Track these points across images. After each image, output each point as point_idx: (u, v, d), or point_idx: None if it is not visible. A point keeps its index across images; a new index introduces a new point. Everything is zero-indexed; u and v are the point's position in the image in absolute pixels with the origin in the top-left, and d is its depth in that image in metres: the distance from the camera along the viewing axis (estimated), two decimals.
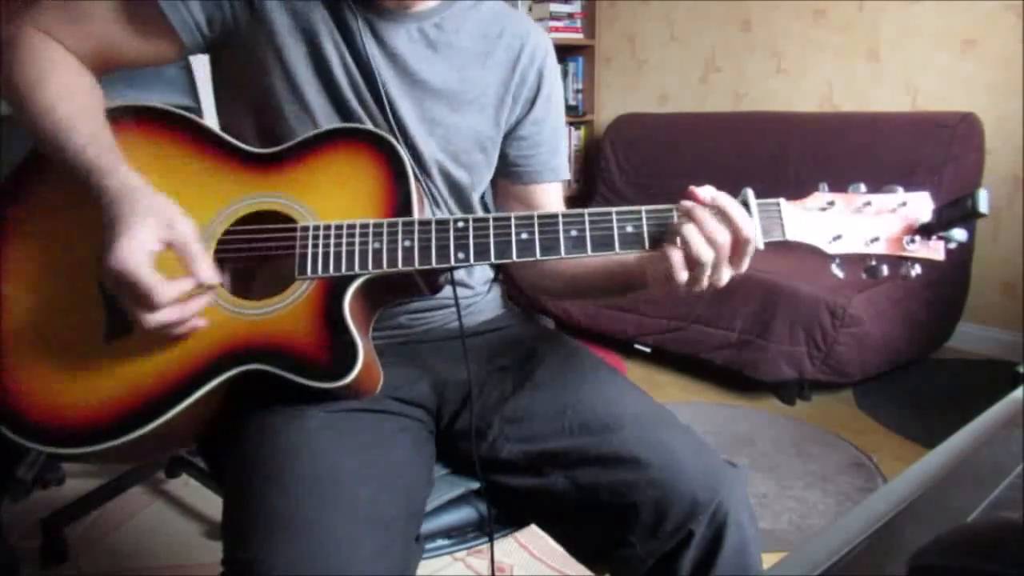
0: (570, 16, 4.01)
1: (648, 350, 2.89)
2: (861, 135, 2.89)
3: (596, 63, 4.14)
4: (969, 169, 2.71)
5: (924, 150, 2.68)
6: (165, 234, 0.79)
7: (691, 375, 2.80)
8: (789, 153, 3.07)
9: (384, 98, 0.96)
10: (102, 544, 1.83)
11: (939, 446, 0.70)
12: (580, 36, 4.05)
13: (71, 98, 0.87)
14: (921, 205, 0.85)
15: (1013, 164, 2.83)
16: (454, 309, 1.01)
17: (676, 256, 0.81)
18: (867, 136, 2.87)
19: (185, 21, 0.91)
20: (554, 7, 3.92)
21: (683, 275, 0.81)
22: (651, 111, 3.83)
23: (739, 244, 0.81)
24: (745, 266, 0.83)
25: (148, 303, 0.78)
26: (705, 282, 0.82)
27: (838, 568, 0.52)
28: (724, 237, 0.80)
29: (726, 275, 0.83)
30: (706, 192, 0.82)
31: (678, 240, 0.81)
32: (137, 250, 0.78)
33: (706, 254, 0.80)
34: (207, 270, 0.81)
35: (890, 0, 3.04)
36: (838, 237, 0.84)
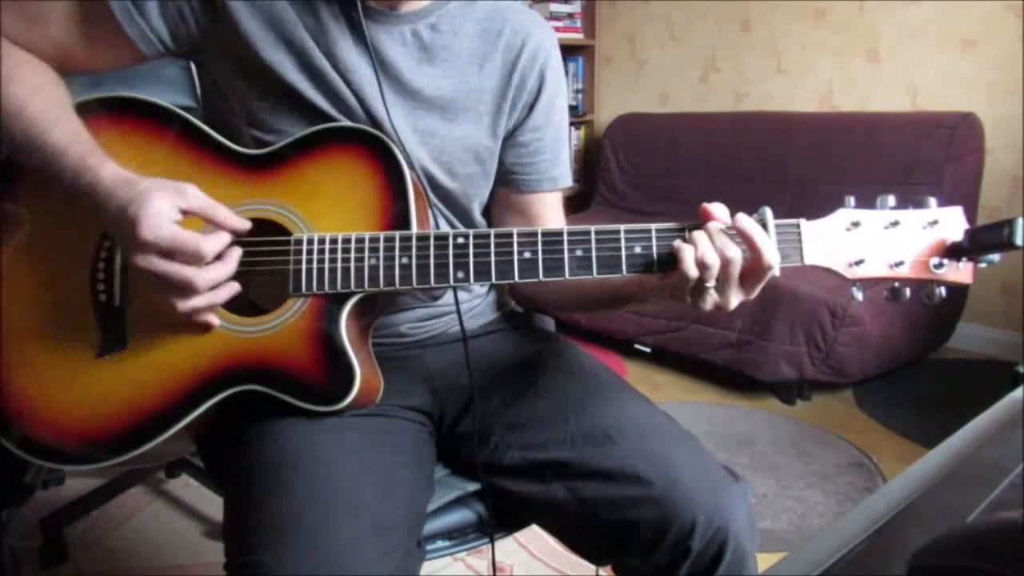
0: (570, 16, 4.01)
1: (648, 350, 2.88)
2: (861, 135, 2.89)
3: (596, 63, 4.13)
4: (969, 169, 2.71)
5: (924, 150, 2.68)
6: (180, 201, 0.79)
7: (691, 375, 2.79)
8: (789, 153, 3.06)
9: (373, 108, 0.91)
10: (102, 544, 1.82)
11: (939, 446, 0.70)
12: (580, 36, 4.04)
13: (42, 95, 0.84)
14: (953, 223, 0.78)
15: (1013, 164, 2.83)
16: (454, 316, 0.99)
17: (687, 252, 0.77)
18: (867, 136, 2.87)
19: (144, 33, 0.88)
20: (554, 7, 3.92)
21: (694, 271, 0.77)
22: (651, 111, 3.82)
23: (758, 269, 0.77)
24: (756, 292, 0.80)
25: (197, 259, 0.78)
26: (710, 300, 0.79)
27: (838, 568, 0.51)
28: (734, 253, 0.77)
29: (735, 298, 0.79)
30: (718, 209, 0.80)
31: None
32: (164, 218, 0.77)
33: (712, 259, 0.77)
34: (234, 218, 0.82)
35: (890, 0, 3.04)
36: (860, 262, 0.79)
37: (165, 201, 0.78)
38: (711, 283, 0.78)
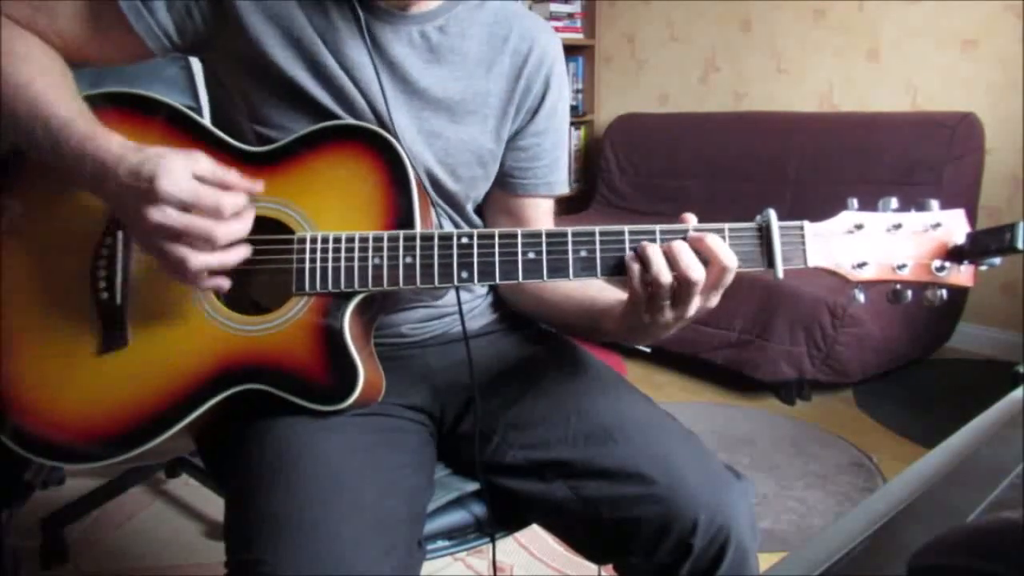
0: (570, 16, 4.01)
1: (648, 350, 2.88)
2: (861, 135, 2.89)
3: (596, 63, 4.13)
4: (969, 169, 2.71)
5: (924, 150, 2.68)
6: (194, 165, 0.77)
7: (691, 375, 2.79)
8: (789, 153, 3.06)
9: (379, 108, 0.91)
10: (102, 544, 1.83)
11: (939, 446, 0.70)
12: (580, 36, 4.04)
13: (50, 75, 0.84)
14: (955, 226, 0.79)
15: (1013, 164, 2.83)
16: (455, 316, 0.99)
17: (634, 267, 0.79)
18: (867, 136, 2.87)
19: (151, 29, 0.88)
20: (554, 7, 3.92)
21: (639, 286, 0.78)
22: (651, 111, 3.83)
23: (719, 274, 0.78)
24: (716, 301, 0.80)
25: (216, 214, 0.76)
26: (668, 313, 0.80)
27: (838, 568, 0.52)
28: (698, 274, 0.77)
29: (693, 306, 0.79)
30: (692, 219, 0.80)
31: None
32: (183, 173, 0.75)
33: (664, 277, 0.77)
34: (246, 182, 0.80)
35: (890, 0, 3.04)
36: (863, 264, 0.79)
37: (181, 161, 0.76)
38: (666, 300, 0.79)
